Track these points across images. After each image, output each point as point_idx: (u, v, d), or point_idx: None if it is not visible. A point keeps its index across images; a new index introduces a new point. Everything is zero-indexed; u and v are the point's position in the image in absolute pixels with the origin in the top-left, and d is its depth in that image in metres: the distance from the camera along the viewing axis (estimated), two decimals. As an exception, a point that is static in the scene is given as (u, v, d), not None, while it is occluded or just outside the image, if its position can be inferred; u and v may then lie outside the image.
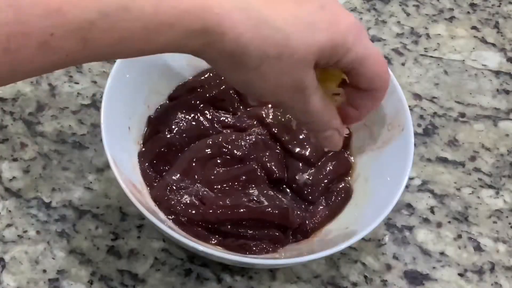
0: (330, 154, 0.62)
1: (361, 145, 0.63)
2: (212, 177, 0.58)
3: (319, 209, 0.59)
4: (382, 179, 0.59)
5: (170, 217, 0.56)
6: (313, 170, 0.60)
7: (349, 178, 0.62)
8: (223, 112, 0.63)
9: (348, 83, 0.49)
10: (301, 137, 0.61)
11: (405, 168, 0.57)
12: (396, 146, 0.59)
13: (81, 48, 0.40)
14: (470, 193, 0.66)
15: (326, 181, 0.60)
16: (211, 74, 0.65)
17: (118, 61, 0.58)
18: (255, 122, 0.62)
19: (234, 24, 0.42)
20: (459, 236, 0.64)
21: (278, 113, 0.63)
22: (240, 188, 0.58)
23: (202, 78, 0.64)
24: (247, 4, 0.43)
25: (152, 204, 0.57)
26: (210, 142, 0.60)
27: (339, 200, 0.60)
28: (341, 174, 0.61)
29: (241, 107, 0.64)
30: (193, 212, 0.56)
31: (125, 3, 0.40)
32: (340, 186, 0.60)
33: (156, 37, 0.42)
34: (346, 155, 0.62)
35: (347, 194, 0.60)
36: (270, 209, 0.56)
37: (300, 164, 0.60)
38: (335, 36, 0.45)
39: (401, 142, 0.59)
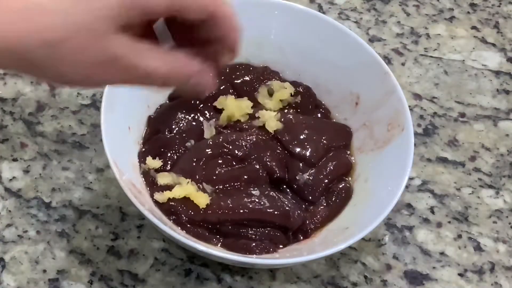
0: (330, 154, 0.62)
1: (361, 145, 0.63)
2: (214, 177, 0.58)
3: (319, 209, 0.59)
4: (382, 179, 0.59)
5: (170, 217, 0.56)
6: (313, 170, 0.60)
7: (350, 178, 0.62)
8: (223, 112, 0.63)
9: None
10: (301, 137, 0.61)
11: (405, 168, 0.57)
12: (396, 146, 0.59)
13: None
14: (470, 193, 0.66)
15: (326, 181, 0.60)
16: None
17: None
18: (255, 122, 0.62)
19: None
20: (459, 236, 0.64)
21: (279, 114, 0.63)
22: (241, 189, 0.58)
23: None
24: None
25: (152, 204, 0.57)
26: (211, 142, 0.60)
27: (340, 200, 0.60)
28: (342, 174, 0.61)
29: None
30: (194, 212, 0.56)
31: None
32: (341, 186, 0.60)
33: None
34: (347, 155, 0.62)
35: (348, 194, 0.60)
36: (271, 210, 0.56)
37: (301, 164, 0.60)
38: None
39: (401, 142, 0.59)
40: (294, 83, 0.65)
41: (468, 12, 0.80)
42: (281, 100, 0.64)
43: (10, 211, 0.60)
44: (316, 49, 0.65)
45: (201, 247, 0.52)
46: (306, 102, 0.65)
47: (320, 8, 0.78)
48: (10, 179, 0.62)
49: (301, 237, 0.58)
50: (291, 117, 0.62)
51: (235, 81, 0.65)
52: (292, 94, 0.64)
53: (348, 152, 0.63)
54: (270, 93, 0.64)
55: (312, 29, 0.64)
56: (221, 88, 0.64)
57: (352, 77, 0.64)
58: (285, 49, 0.66)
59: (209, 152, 0.59)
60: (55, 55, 0.39)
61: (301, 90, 0.65)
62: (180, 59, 0.42)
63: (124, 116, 0.59)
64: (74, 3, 0.38)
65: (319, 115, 0.65)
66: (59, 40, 0.39)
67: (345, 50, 0.63)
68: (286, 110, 0.64)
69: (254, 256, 0.56)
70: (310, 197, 0.60)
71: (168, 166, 0.59)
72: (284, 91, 0.64)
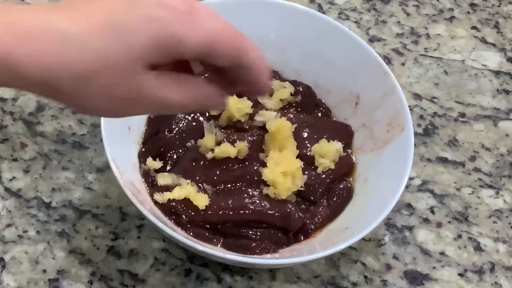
0: None
1: (361, 145, 0.63)
2: (214, 177, 0.58)
3: (320, 209, 0.59)
4: (382, 179, 0.59)
5: (170, 217, 0.56)
6: (315, 170, 0.60)
7: (350, 178, 0.62)
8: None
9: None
10: (302, 136, 0.61)
11: (405, 168, 0.57)
12: (396, 146, 0.59)
13: None
14: (470, 193, 0.66)
15: (328, 181, 0.60)
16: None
17: None
18: (255, 122, 0.62)
19: (28, 51, 0.38)
20: (459, 236, 0.64)
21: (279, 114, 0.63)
22: (242, 189, 0.58)
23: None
24: (40, 24, 0.38)
25: (152, 204, 0.57)
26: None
27: (341, 200, 0.60)
28: (344, 174, 0.61)
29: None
30: (194, 213, 0.56)
31: None
32: (342, 185, 0.60)
33: None
34: (348, 154, 0.62)
35: (349, 194, 0.60)
36: (272, 211, 0.56)
37: (302, 164, 0.60)
38: (160, 34, 0.39)
39: (401, 142, 0.59)
40: (294, 83, 0.65)
41: (468, 12, 0.80)
42: (281, 100, 0.64)
43: (10, 211, 0.60)
44: (316, 49, 0.65)
45: (201, 247, 0.52)
46: (306, 101, 0.65)
47: (320, 8, 0.78)
48: (10, 179, 0.62)
49: (302, 237, 0.58)
50: (291, 116, 0.62)
51: None
52: (292, 93, 0.64)
53: (350, 151, 0.63)
54: (270, 93, 0.64)
55: (312, 29, 0.64)
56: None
57: (352, 77, 0.64)
58: (285, 49, 0.66)
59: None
60: (83, 88, 0.40)
61: (301, 89, 0.65)
62: (202, 90, 0.43)
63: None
64: (108, 40, 0.39)
65: (319, 114, 0.65)
66: (89, 75, 0.39)
67: (345, 50, 0.63)
68: (286, 110, 0.64)
69: (254, 256, 0.56)
70: (312, 197, 0.59)
71: (168, 166, 0.59)
72: (284, 91, 0.64)
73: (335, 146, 0.61)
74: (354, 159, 0.62)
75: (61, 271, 0.57)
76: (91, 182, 0.62)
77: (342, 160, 0.61)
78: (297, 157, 0.60)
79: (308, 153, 0.61)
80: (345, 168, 0.61)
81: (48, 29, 0.38)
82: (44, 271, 0.57)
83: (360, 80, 0.63)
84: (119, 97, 0.41)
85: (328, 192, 0.60)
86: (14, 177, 0.62)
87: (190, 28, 0.39)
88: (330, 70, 0.65)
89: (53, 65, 0.38)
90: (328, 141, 0.61)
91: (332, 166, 0.60)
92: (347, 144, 0.63)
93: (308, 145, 0.61)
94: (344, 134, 0.63)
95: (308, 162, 0.60)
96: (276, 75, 0.66)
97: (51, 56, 0.38)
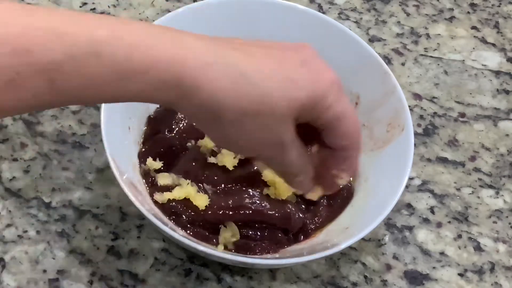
0: None
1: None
2: (215, 177, 0.58)
3: (320, 209, 0.59)
4: (382, 179, 0.59)
5: (170, 217, 0.56)
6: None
7: (351, 178, 0.62)
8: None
9: (322, 142, 0.49)
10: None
11: (405, 168, 0.57)
12: (396, 146, 0.59)
13: (49, 89, 0.40)
14: (470, 193, 0.66)
15: None
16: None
17: None
18: None
19: (210, 78, 0.42)
20: (459, 236, 0.64)
21: None
22: (243, 189, 0.58)
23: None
24: (224, 57, 0.42)
25: (152, 204, 0.57)
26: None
27: (341, 200, 0.60)
28: None
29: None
30: (194, 213, 0.56)
31: (96, 48, 0.39)
32: (342, 186, 0.60)
33: (127, 85, 0.41)
34: None
35: (349, 194, 0.60)
36: (272, 212, 0.56)
37: None
38: (316, 94, 0.44)
39: (401, 142, 0.59)
40: None
41: (468, 12, 0.80)
42: None
43: (10, 211, 0.60)
44: (316, 49, 0.65)
45: (201, 247, 0.52)
46: None
47: (320, 8, 0.78)
48: (10, 179, 0.62)
49: (302, 237, 0.58)
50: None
51: None
52: None
53: None
54: None
55: (312, 29, 0.64)
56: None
57: (352, 77, 0.64)
58: (285, 49, 0.66)
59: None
60: (240, 122, 0.43)
61: None
62: (307, 160, 0.49)
63: (124, 116, 0.59)
64: (277, 88, 0.43)
65: None
66: (252, 112, 0.43)
67: (345, 50, 0.63)
68: None
69: (254, 256, 0.56)
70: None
71: (168, 166, 0.59)
72: None
73: None
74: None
75: (61, 271, 0.57)
76: (91, 182, 0.62)
77: None
78: None
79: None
80: None
81: (228, 64, 0.42)
82: (44, 271, 0.57)
83: (360, 80, 0.63)
84: (263, 137, 0.45)
85: None
86: (14, 177, 0.62)
87: (337, 99, 0.45)
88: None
89: (225, 97, 0.42)
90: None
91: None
92: None
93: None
94: None
95: None
96: None
97: (227, 89, 0.42)
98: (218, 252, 0.53)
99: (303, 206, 0.59)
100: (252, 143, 0.46)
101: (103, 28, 0.40)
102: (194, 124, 0.47)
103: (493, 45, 0.78)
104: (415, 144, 0.59)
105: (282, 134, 0.45)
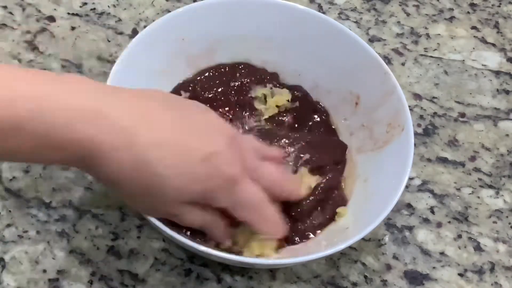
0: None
1: (361, 146, 0.63)
2: None
3: (319, 210, 0.59)
4: (382, 179, 0.59)
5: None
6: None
7: (343, 184, 0.61)
8: (222, 112, 0.63)
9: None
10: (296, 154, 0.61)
11: (405, 168, 0.56)
12: (396, 146, 0.59)
13: None
14: (470, 193, 0.66)
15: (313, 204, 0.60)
16: (211, 74, 0.65)
17: (118, 61, 0.58)
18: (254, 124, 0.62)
19: (116, 163, 0.46)
20: (459, 236, 0.64)
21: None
22: None
23: (202, 78, 0.64)
24: (135, 143, 0.46)
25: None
26: None
27: (334, 206, 0.60)
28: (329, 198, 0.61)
29: (238, 106, 0.64)
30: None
31: (19, 122, 0.43)
32: (334, 195, 0.60)
33: (47, 154, 0.46)
34: (336, 176, 0.62)
35: (343, 200, 0.60)
36: None
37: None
38: (205, 192, 0.49)
39: (401, 142, 0.59)
40: (292, 88, 0.65)
41: (468, 12, 0.80)
42: (277, 106, 0.64)
43: (10, 211, 0.60)
44: (316, 49, 0.65)
45: (201, 247, 0.52)
46: (303, 107, 0.65)
47: (320, 8, 0.78)
48: (10, 179, 0.62)
49: (302, 238, 0.58)
50: (289, 134, 0.62)
51: (232, 83, 0.65)
52: (289, 100, 0.64)
53: (339, 167, 0.62)
54: (265, 99, 0.64)
55: (312, 29, 0.64)
56: (221, 88, 0.64)
57: (352, 77, 0.64)
58: (285, 49, 0.66)
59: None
60: (134, 197, 0.50)
61: (298, 95, 0.65)
62: (214, 217, 0.54)
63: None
64: (174, 178, 0.48)
65: (318, 119, 0.65)
66: (147, 194, 0.48)
67: (345, 50, 0.63)
68: (283, 116, 0.64)
69: (254, 256, 0.56)
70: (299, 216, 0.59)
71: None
72: (281, 97, 0.64)
73: (311, 181, 0.60)
74: (343, 185, 0.62)
75: (61, 271, 0.57)
76: (91, 182, 0.62)
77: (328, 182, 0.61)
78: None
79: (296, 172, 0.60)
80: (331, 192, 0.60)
81: (137, 151, 0.47)
82: (44, 271, 0.57)
83: (360, 80, 0.63)
84: (161, 212, 0.51)
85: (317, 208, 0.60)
86: (14, 177, 0.62)
87: (227, 195, 0.50)
88: (330, 70, 0.65)
89: (127, 180, 0.47)
90: (319, 160, 0.61)
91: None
92: (338, 163, 0.62)
93: (299, 163, 0.60)
94: (337, 152, 0.63)
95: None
96: (274, 79, 0.66)
97: (130, 173, 0.47)
98: (218, 252, 0.53)
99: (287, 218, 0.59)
100: (151, 212, 0.51)
101: (29, 102, 0.43)
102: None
103: (493, 45, 0.78)
104: (415, 144, 0.59)
105: (174, 210, 0.50)
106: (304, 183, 0.59)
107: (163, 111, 0.49)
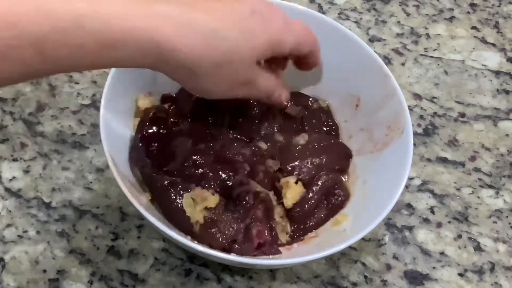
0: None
1: (361, 148, 0.63)
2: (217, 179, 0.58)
3: (318, 209, 0.59)
4: (381, 180, 0.58)
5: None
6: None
7: (346, 179, 0.62)
8: (222, 112, 0.63)
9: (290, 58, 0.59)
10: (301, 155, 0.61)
11: (404, 170, 0.56)
12: (395, 148, 0.59)
13: (40, 60, 0.43)
14: (470, 193, 0.66)
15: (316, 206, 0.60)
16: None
17: None
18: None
19: (184, 40, 0.46)
20: (459, 236, 0.64)
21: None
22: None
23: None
24: (192, 19, 0.47)
25: (152, 204, 0.57)
26: (208, 146, 0.60)
27: (338, 203, 0.60)
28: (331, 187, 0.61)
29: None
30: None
31: (80, 20, 0.43)
32: (334, 195, 0.60)
33: (109, 52, 0.45)
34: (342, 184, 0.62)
35: (346, 195, 0.60)
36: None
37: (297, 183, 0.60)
38: (271, 38, 0.52)
39: (400, 145, 0.59)
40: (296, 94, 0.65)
41: (468, 12, 0.80)
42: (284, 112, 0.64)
43: (10, 211, 0.60)
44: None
45: (201, 248, 0.52)
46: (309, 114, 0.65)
47: (320, 8, 0.78)
48: (10, 179, 0.62)
49: (301, 238, 0.58)
50: (305, 135, 0.62)
51: None
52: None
53: (345, 178, 0.62)
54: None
55: (312, 30, 0.64)
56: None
57: (353, 79, 0.64)
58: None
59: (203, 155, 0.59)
60: (215, 73, 0.50)
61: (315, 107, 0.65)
62: (276, 80, 0.57)
63: (124, 116, 0.59)
64: (242, 39, 0.50)
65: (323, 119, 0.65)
66: (224, 63, 0.49)
67: (346, 52, 0.63)
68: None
69: (254, 256, 0.56)
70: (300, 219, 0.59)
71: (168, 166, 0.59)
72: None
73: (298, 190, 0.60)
74: (345, 179, 0.62)
75: (61, 271, 0.57)
76: (91, 182, 0.62)
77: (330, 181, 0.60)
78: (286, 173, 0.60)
79: (301, 176, 0.60)
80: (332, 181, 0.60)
81: (199, 24, 0.47)
82: (44, 271, 0.57)
83: (360, 82, 0.63)
84: (236, 82, 0.52)
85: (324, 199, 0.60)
86: (14, 177, 0.62)
87: (288, 34, 0.54)
88: (330, 72, 0.65)
89: (200, 54, 0.48)
90: (325, 163, 0.61)
91: (291, 206, 0.59)
92: (342, 171, 0.62)
93: (303, 166, 0.61)
94: (342, 156, 0.63)
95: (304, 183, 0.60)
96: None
97: (200, 46, 0.47)
98: (218, 252, 0.53)
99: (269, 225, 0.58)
100: (227, 88, 0.52)
101: (83, 2, 0.43)
102: (173, 79, 0.51)
103: (493, 45, 0.78)
104: (415, 144, 0.59)
105: (251, 74, 0.53)
106: (296, 192, 0.59)
107: None
